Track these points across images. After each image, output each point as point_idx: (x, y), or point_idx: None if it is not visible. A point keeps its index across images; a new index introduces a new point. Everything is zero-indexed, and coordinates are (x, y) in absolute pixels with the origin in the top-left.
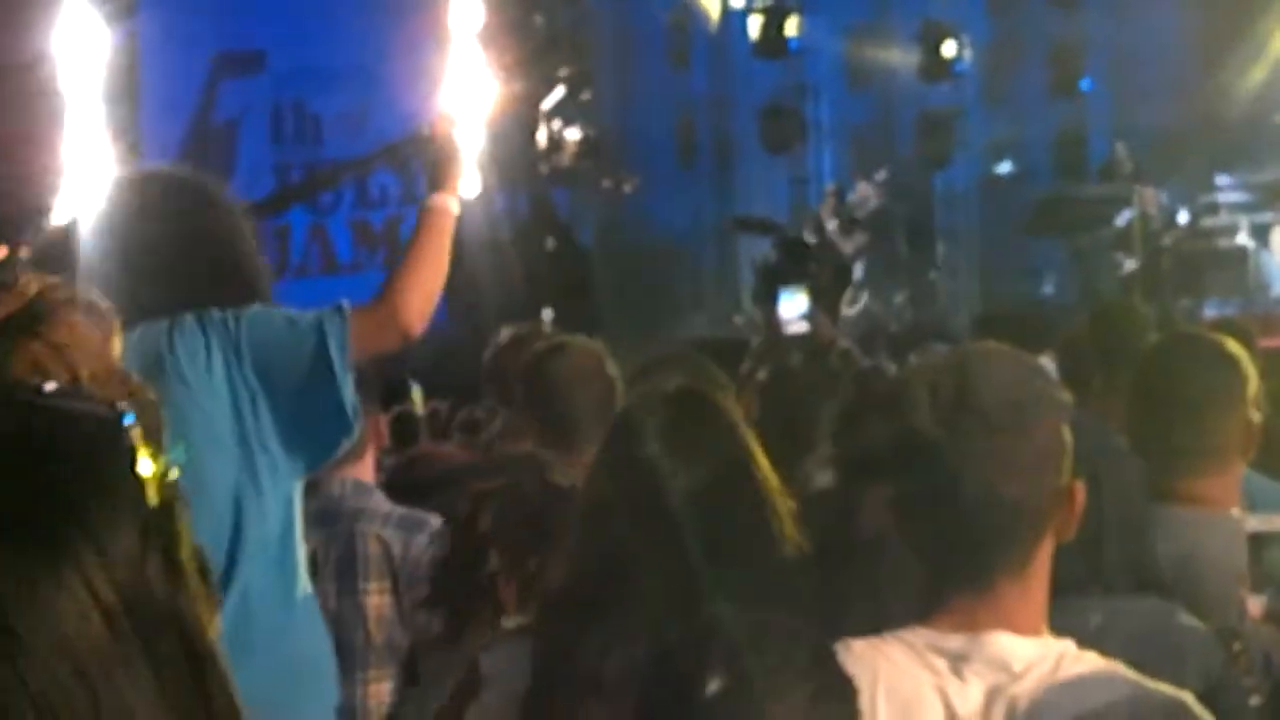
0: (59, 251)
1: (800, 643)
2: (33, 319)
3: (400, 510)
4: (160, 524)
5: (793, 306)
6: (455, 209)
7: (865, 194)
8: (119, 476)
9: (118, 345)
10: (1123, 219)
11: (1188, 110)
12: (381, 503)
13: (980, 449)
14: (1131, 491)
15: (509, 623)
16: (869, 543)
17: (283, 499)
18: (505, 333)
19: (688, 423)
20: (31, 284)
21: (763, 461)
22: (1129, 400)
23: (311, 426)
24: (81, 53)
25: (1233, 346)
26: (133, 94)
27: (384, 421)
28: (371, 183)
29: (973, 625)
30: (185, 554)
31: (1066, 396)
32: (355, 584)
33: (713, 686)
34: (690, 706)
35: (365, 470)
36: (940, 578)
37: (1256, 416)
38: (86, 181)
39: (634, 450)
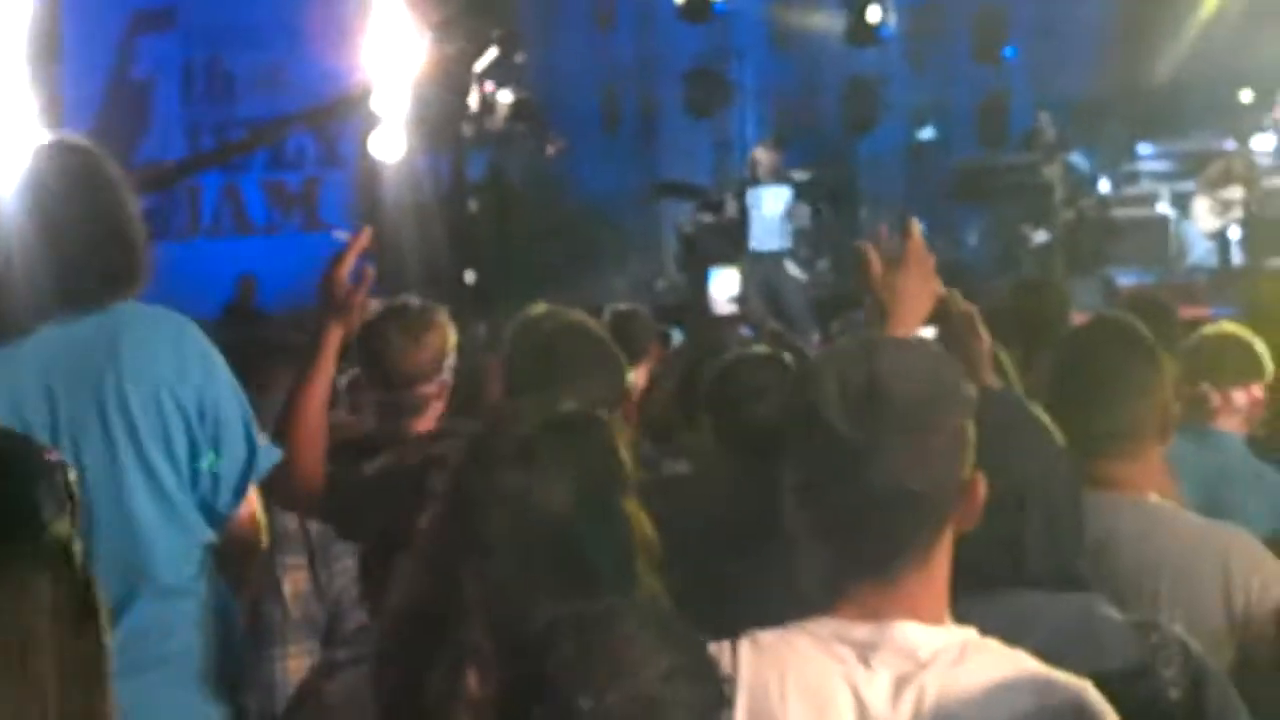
0: None
1: (650, 623)
2: None
3: None
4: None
5: (723, 285)
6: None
7: (760, 158)
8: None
9: None
10: (1043, 186)
11: (1110, 78)
12: None
13: (888, 443)
14: (1056, 486)
15: (340, 653)
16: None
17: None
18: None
19: (554, 452)
20: None
21: (627, 497)
22: (1048, 383)
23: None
24: (4, 7)
25: (1149, 329)
26: (53, 51)
27: None
28: (288, 143)
29: (877, 615)
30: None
31: (972, 390)
32: (273, 560)
33: (559, 662)
34: (539, 686)
35: None
36: (842, 568)
37: (1174, 401)
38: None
39: (491, 476)
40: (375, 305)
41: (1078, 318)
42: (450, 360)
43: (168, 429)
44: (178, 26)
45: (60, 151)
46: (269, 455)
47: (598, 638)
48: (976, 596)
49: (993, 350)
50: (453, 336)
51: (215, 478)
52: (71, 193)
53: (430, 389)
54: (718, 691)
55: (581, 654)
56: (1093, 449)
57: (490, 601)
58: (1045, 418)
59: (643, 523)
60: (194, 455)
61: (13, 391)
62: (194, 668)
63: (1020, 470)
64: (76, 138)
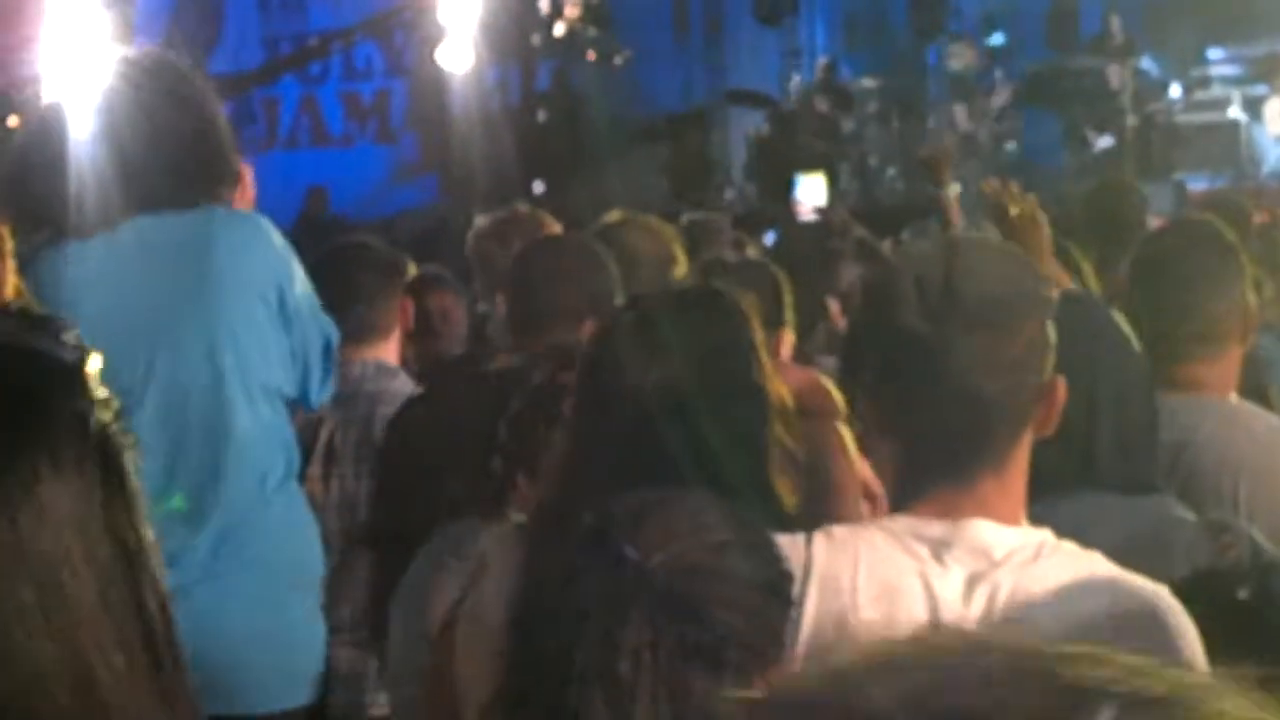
0: (47, 134)
1: (717, 509)
2: None
3: None
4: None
5: (809, 192)
6: None
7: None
8: (70, 410)
9: (10, 277)
10: (1113, 91)
11: None
12: (404, 385)
13: (964, 346)
14: (1130, 389)
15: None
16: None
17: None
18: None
19: (673, 324)
20: None
21: (758, 368)
22: (1127, 286)
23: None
24: None
25: (1229, 231)
26: None
27: (410, 304)
28: (356, 54)
29: (953, 514)
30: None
31: (1051, 293)
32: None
33: (617, 523)
34: (597, 541)
35: (389, 352)
36: (918, 468)
37: (1253, 301)
38: (78, 53)
39: (615, 360)
40: (482, 220)
41: (1153, 222)
42: None
43: (264, 330)
44: None
45: (146, 64)
46: (335, 333)
47: (657, 509)
48: (1044, 498)
49: (1069, 252)
50: None
51: (306, 368)
52: (158, 102)
53: None
54: (776, 572)
55: (637, 519)
56: (1174, 351)
57: (612, 485)
58: (1120, 319)
59: (779, 391)
60: (290, 352)
61: (113, 282)
62: (279, 571)
63: (1091, 371)
64: (161, 51)
